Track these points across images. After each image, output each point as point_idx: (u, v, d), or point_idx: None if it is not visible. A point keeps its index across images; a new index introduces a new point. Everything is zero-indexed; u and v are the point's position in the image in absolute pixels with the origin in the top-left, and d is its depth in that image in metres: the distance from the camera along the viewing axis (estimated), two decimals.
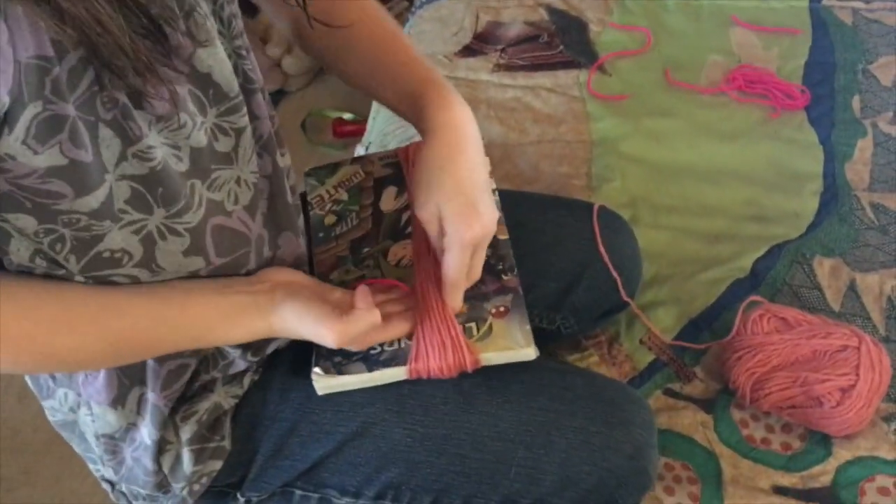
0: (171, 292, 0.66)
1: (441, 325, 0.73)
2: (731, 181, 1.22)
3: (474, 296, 0.77)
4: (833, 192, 1.19)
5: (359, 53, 0.79)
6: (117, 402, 0.72)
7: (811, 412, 0.93)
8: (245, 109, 0.67)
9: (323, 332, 0.68)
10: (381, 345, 0.74)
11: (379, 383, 0.74)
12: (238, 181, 0.68)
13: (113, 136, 0.57)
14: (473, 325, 0.75)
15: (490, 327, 0.75)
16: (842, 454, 0.94)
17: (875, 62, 1.36)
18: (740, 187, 1.21)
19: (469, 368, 0.73)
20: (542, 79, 1.39)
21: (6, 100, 0.50)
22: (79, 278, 0.63)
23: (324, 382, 0.73)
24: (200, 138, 0.63)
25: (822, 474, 0.93)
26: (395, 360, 0.74)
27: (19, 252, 0.60)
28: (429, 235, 0.73)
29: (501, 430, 0.75)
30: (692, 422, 0.98)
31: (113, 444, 0.75)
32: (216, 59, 0.62)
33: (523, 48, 1.44)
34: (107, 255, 0.62)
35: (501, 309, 0.75)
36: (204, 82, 0.62)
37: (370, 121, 1.46)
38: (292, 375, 0.79)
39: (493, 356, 0.73)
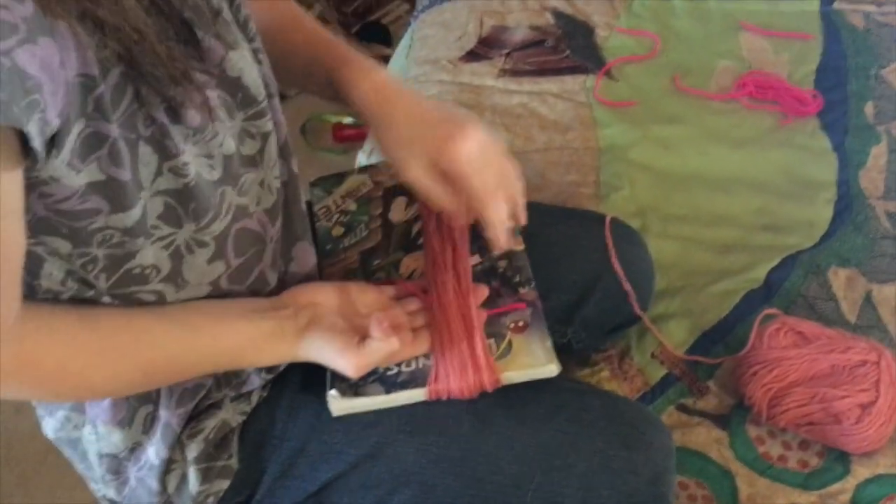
0: (203, 320, 0.66)
1: (463, 345, 0.71)
2: (742, 189, 1.20)
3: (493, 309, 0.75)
4: (847, 201, 1.17)
5: (284, 58, 0.78)
6: (125, 422, 0.70)
7: (830, 429, 0.90)
8: (270, 115, 0.66)
9: (342, 363, 0.68)
10: (399, 364, 0.72)
11: (396, 405, 0.72)
12: (262, 184, 0.67)
13: (152, 153, 0.57)
14: (492, 341, 0.73)
15: (509, 344, 0.72)
16: (861, 472, 0.92)
17: (888, 67, 1.33)
18: (752, 196, 1.19)
19: (490, 388, 0.71)
20: (549, 84, 1.36)
21: (56, 122, 0.50)
22: (105, 298, 0.63)
23: (340, 405, 0.71)
24: (230, 144, 0.62)
25: (840, 493, 0.91)
26: (414, 381, 0.71)
27: (52, 276, 0.60)
28: (432, 199, 0.72)
29: (518, 452, 0.73)
30: (707, 438, 0.95)
31: (117, 463, 0.72)
32: (245, 62, 0.62)
33: (529, 53, 1.42)
34: (137, 271, 0.62)
35: (521, 324, 0.73)
36: (232, 86, 0.62)
37: None
38: (302, 392, 0.77)
39: (514, 375, 0.71)
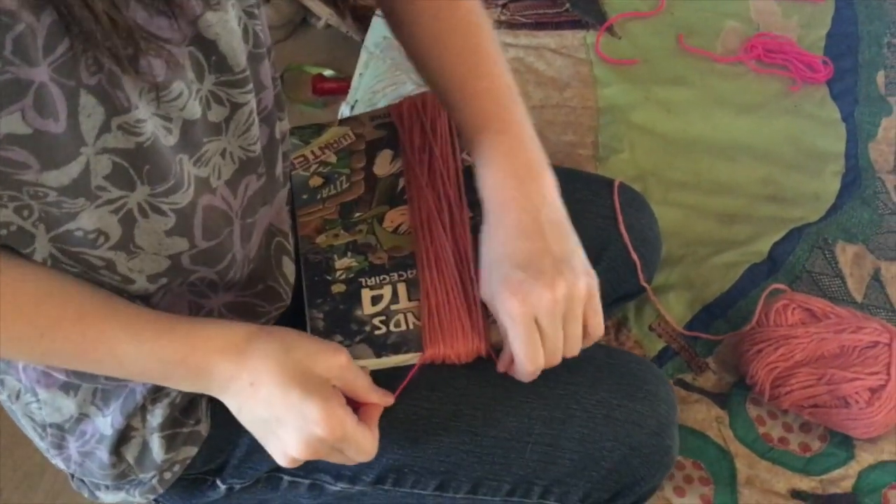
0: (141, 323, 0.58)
1: (459, 307, 0.66)
2: (747, 158, 1.14)
3: None
4: (856, 174, 1.11)
5: (438, 73, 0.70)
6: (69, 386, 0.63)
7: (836, 412, 0.86)
8: (250, 85, 0.59)
9: (323, 360, 0.60)
10: (387, 325, 0.67)
11: (385, 367, 0.67)
12: (223, 153, 0.60)
13: (96, 105, 0.49)
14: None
15: None
16: (864, 458, 0.88)
17: None
18: (757, 165, 1.13)
19: (485, 353, 0.67)
20: (547, 38, 1.29)
21: None
22: (48, 248, 0.54)
23: None
24: (195, 109, 0.55)
25: (843, 479, 0.87)
26: (406, 343, 0.67)
27: None
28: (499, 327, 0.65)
29: (517, 403, 0.69)
30: (706, 416, 0.90)
31: (60, 435, 0.66)
32: (225, 28, 0.55)
33: (527, 4, 1.34)
34: (79, 234, 0.54)
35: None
36: (207, 47, 0.55)
37: (356, 77, 1.36)
38: None
39: None
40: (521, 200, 0.65)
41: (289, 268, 0.72)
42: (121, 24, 0.46)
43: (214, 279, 0.64)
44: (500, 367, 0.67)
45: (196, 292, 0.65)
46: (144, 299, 0.62)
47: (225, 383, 0.59)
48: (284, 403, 0.58)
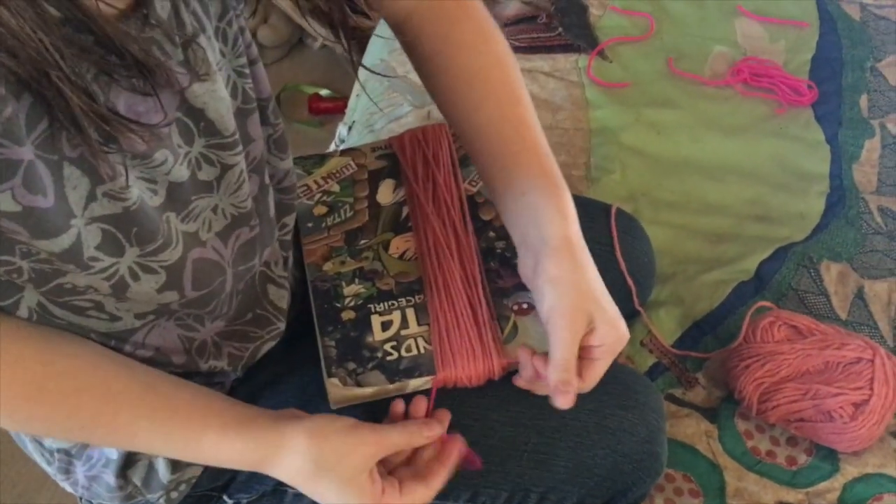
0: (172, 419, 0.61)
1: (471, 330, 0.68)
2: (735, 178, 1.17)
3: (493, 291, 0.72)
4: (840, 194, 1.15)
5: (470, 113, 0.71)
6: None
7: (821, 426, 0.89)
8: (240, 147, 0.60)
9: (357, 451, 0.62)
10: (398, 349, 0.69)
11: (398, 394, 0.68)
12: (215, 209, 0.61)
13: (81, 176, 0.50)
14: (496, 324, 0.70)
15: (514, 326, 0.70)
16: (849, 470, 0.90)
17: (883, 60, 1.31)
18: (744, 185, 1.16)
19: (497, 377, 0.68)
20: (540, 62, 1.32)
21: None
22: (36, 298, 0.55)
23: (340, 394, 0.67)
24: (182, 173, 0.56)
25: (828, 491, 0.89)
26: (418, 368, 0.68)
27: None
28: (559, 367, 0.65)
29: (513, 413, 0.71)
30: (696, 431, 0.93)
31: (67, 461, 0.68)
32: (213, 97, 0.56)
33: (520, 28, 1.37)
34: (68, 286, 0.55)
35: (524, 306, 0.71)
36: (195, 115, 0.56)
37: (353, 98, 1.39)
38: (282, 364, 0.74)
39: None
40: (579, 240, 0.67)
41: (276, 295, 0.72)
42: (97, 111, 0.47)
43: (201, 314, 0.66)
44: (521, 383, 0.69)
45: (184, 326, 0.66)
46: (131, 332, 0.63)
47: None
48: (324, 501, 0.63)
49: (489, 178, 0.71)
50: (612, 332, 0.65)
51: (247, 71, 0.62)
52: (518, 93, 0.71)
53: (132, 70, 0.48)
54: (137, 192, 0.53)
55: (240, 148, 0.60)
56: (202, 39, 0.55)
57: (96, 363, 0.58)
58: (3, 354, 0.53)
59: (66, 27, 0.45)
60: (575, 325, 0.63)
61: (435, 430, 0.65)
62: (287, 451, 0.61)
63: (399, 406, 0.67)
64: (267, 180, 0.67)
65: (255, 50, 0.63)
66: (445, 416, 0.67)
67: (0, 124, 0.45)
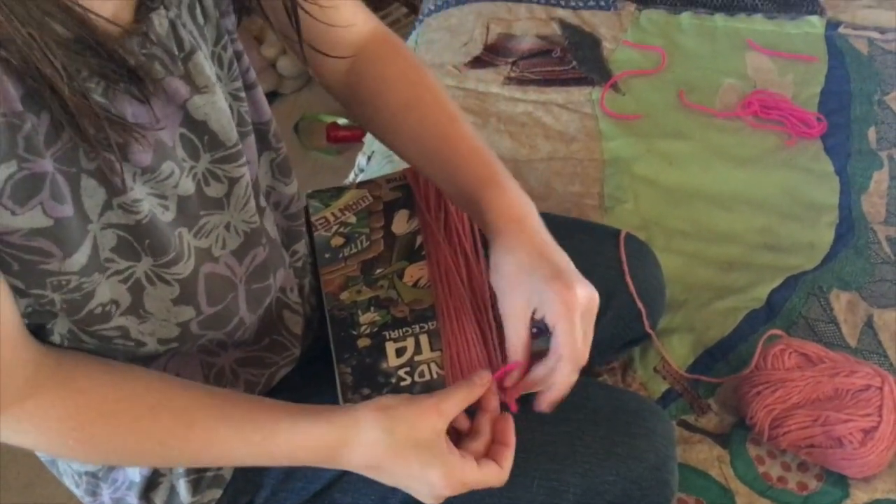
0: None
1: (479, 354, 0.71)
2: (745, 208, 1.20)
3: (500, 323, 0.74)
4: (849, 224, 1.17)
5: (414, 137, 0.75)
6: None
7: (831, 452, 0.90)
8: (243, 158, 0.63)
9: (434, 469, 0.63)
10: (412, 375, 0.70)
11: None
12: (228, 227, 0.64)
13: (97, 186, 0.53)
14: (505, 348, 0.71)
15: None
16: (859, 496, 0.92)
17: (890, 93, 1.34)
18: (754, 215, 1.19)
19: (508, 400, 0.70)
20: (554, 94, 1.36)
21: None
22: (67, 325, 0.59)
23: None
24: (188, 186, 0.59)
25: None
26: (430, 392, 0.69)
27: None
28: (513, 341, 0.68)
29: (524, 441, 0.71)
30: (708, 456, 0.95)
31: (94, 483, 0.71)
32: (213, 108, 0.59)
33: (535, 62, 1.41)
34: (98, 311, 0.58)
35: (533, 331, 0.72)
36: (198, 128, 0.59)
37: None
38: (296, 393, 0.74)
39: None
40: (532, 220, 0.69)
41: (291, 320, 0.75)
42: (92, 110, 0.49)
43: (223, 339, 0.68)
44: (528, 387, 0.70)
45: (206, 351, 0.69)
46: (154, 359, 0.66)
47: (348, 468, 0.64)
48: (408, 475, 0.63)
49: (447, 191, 0.75)
50: (564, 291, 0.64)
51: (242, 94, 0.65)
52: (452, 112, 0.75)
53: (126, 77, 0.51)
54: (148, 206, 0.56)
55: (244, 159, 0.63)
56: (199, 56, 0.58)
57: (154, 382, 0.61)
58: (80, 380, 0.57)
59: (73, 43, 0.48)
60: (576, 297, 0.64)
61: (485, 376, 0.65)
62: (361, 426, 0.61)
63: None
64: (263, 202, 0.69)
65: (252, 75, 0.67)
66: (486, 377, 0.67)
67: (22, 139, 0.48)
